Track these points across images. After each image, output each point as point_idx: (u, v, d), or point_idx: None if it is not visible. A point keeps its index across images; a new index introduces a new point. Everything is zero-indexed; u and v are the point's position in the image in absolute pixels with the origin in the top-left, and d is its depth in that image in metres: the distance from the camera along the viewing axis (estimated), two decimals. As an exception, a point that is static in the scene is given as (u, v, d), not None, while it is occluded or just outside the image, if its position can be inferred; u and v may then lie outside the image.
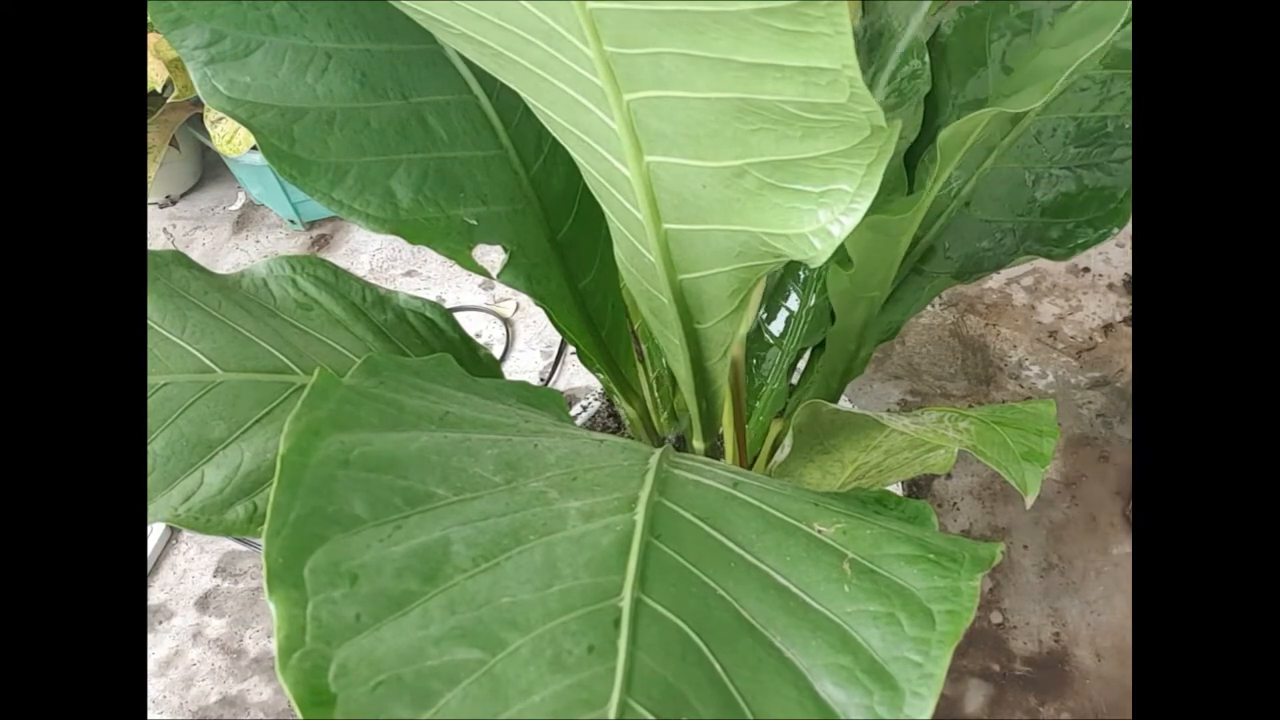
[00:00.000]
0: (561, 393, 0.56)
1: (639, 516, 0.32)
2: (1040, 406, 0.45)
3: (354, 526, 0.28)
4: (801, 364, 0.81)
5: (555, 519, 0.31)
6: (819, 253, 0.37)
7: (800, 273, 0.78)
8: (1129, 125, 0.64)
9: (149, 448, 0.49)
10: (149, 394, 0.50)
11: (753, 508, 0.34)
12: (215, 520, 0.51)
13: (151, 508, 0.49)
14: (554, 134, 0.43)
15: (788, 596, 0.30)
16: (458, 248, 0.58)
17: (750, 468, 0.76)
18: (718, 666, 0.28)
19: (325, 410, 0.31)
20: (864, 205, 0.35)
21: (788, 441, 0.51)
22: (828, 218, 0.36)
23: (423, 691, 0.25)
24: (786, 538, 0.33)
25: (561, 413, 0.47)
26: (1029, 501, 0.39)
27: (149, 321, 0.52)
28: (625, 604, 0.28)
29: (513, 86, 0.41)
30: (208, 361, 0.53)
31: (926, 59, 0.65)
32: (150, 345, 0.51)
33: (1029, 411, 0.45)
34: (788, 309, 0.79)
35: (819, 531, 0.33)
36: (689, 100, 0.33)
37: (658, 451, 0.38)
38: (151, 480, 0.49)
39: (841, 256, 0.57)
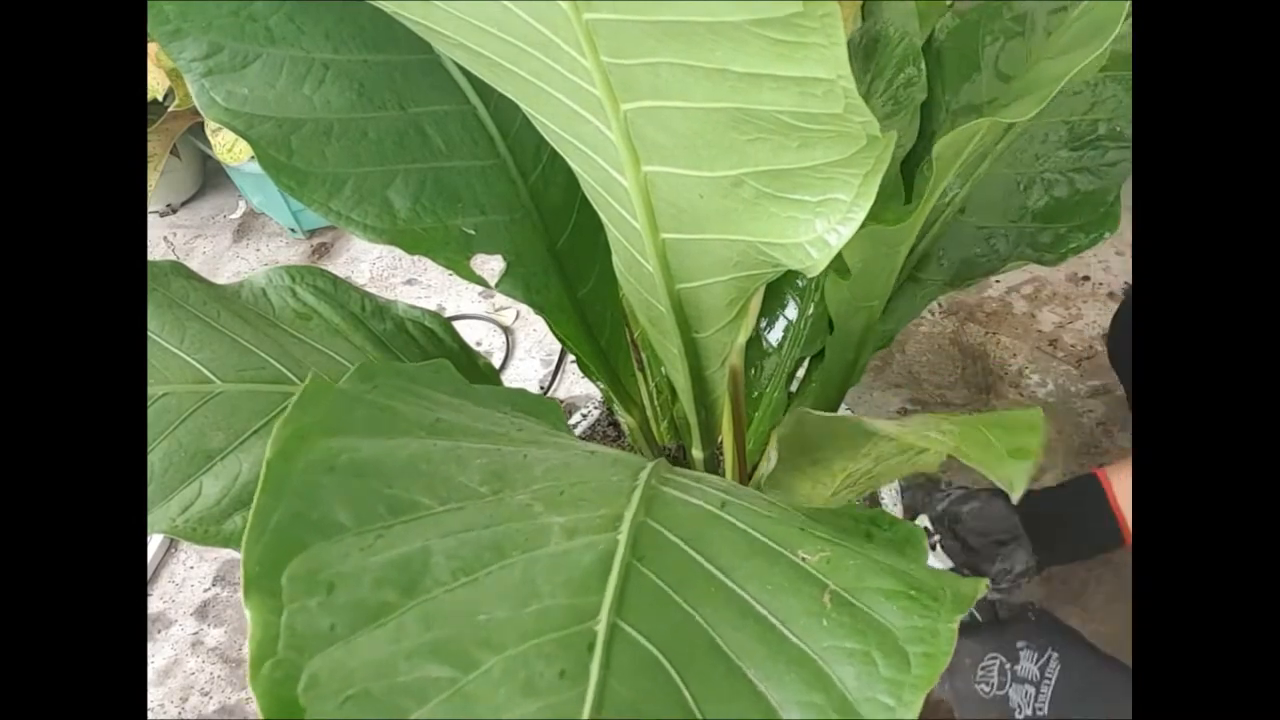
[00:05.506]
0: (559, 401, 0.56)
1: (622, 536, 0.31)
2: (1027, 413, 0.44)
3: (335, 534, 0.28)
4: (801, 371, 0.81)
5: (538, 534, 0.30)
6: (816, 262, 0.37)
7: (799, 281, 0.78)
8: (1120, 128, 0.64)
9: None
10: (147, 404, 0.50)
11: (738, 530, 0.34)
12: (213, 531, 0.50)
13: (149, 519, 0.49)
14: (552, 143, 0.43)
15: (766, 627, 0.30)
16: (456, 257, 0.58)
17: (750, 476, 0.76)
18: (689, 696, 0.27)
19: (314, 415, 0.31)
20: (861, 214, 0.35)
21: (773, 453, 0.50)
22: (825, 227, 0.36)
23: (391, 708, 0.25)
24: (769, 565, 0.32)
25: (558, 421, 0.47)
26: (1015, 498, 0.39)
27: (147, 332, 0.52)
28: (601, 628, 0.28)
29: (510, 96, 0.41)
30: (206, 372, 0.53)
31: (922, 65, 0.65)
32: (148, 356, 0.51)
33: (1014, 416, 0.44)
34: (786, 317, 0.79)
35: (803, 559, 0.32)
36: (686, 110, 0.33)
37: (649, 466, 0.38)
38: (149, 491, 0.49)
39: (840, 267, 0.57)
